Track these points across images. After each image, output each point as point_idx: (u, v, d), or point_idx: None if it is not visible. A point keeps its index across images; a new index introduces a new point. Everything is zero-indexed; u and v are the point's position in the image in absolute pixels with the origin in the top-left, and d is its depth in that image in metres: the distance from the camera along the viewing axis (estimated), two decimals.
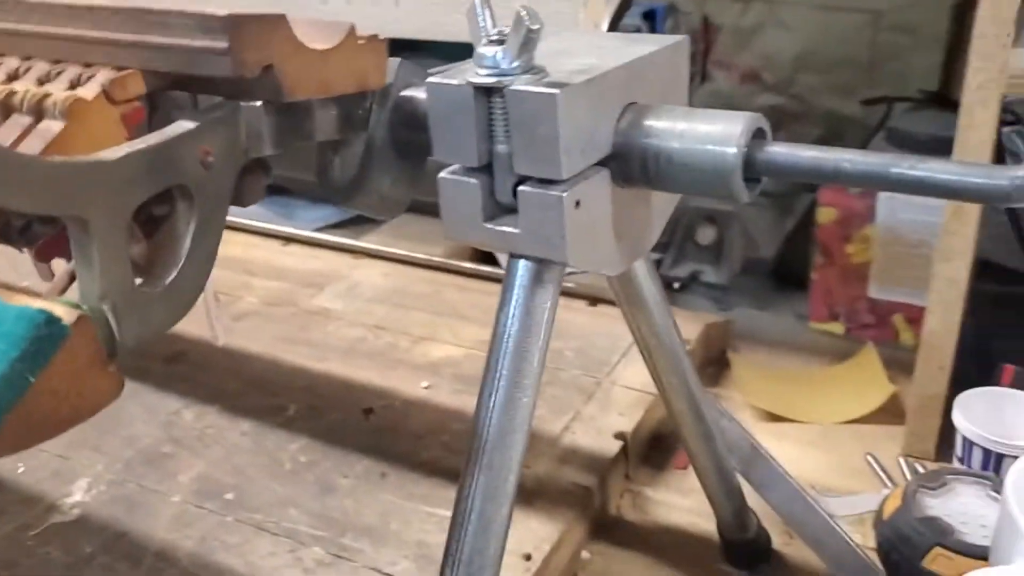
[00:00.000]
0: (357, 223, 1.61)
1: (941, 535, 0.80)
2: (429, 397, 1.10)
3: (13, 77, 0.58)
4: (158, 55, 0.54)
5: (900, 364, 1.15)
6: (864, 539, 0.91)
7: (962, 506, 0.85)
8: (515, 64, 0.53)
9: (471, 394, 0.59)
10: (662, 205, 0.65)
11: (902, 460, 1.04)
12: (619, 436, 1.01)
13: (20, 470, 0.98)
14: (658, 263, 1.45)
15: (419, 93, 0.63)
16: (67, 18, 0.57)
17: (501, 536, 0.58)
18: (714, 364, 1.26)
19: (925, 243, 1.17)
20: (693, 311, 1.32)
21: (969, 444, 0.95)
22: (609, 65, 0.56)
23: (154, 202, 0.53)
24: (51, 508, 0.93)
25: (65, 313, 0.45)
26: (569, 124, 0.52)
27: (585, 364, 1.15)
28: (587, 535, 0.94)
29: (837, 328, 1.32)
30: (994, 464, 0.93)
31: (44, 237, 0.60)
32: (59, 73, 0.56)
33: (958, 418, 0.96)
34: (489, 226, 0.56)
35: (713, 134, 0.54)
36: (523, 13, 0.51)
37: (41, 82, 0.57)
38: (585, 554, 0.93)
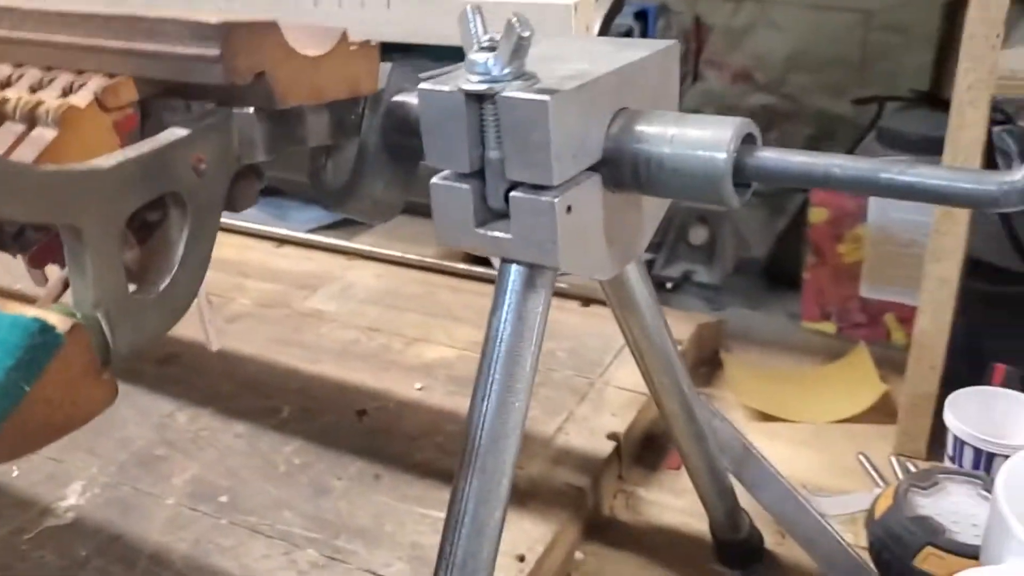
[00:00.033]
0: (350, 224, 1.61)
1: (932, 534, 0.80)
2: (423, 398, 1.11)
3: (6, 84, 0.58)
4: (150, 62, 0.55)
5: (892, 363, 1.16)
6: (856, 538, 0.91)
7: (953, 505, 0.85)
8: (506, 71, 0.53)
9: (465, 395, 0.59)
10: (653, 209, 0.65)
11: (894, 459, 1.05)
12: (612, 437, 1.02)
13: (14, 473, 0.98)
14: (650, 263, 1.45)
15: (411, 98, 0.63)
16: (60, 25, 0.57)
17: (494, 539, 0.58)
18: (707, 364, 1.26)
19: (916, 243, 1.18)
20: (686, 311, 1.32)
21: (960, 443, 0.95)
22: (600, 71, 0.56)
23: (147, 208, 0.53)
24: (45, 511, 0.93)
25: (59, 321, 0.45)
26: (560, 130, 0.52)
27: (578, 365, 1.15)
28: (580, 536, 0.94)
29: (829, 327, 1.33)
30: (985, 463, 0.93)
31: (37, 243, 0.60)
32: (51, 80, 0.56)
33: (949, 417, 0.96)
34: (481, 231, 0.57)
35: (703, 139, 0.54)
36: (514, 20, 0.51)
37: (34, 89, 0.57)
38: (579, 555, 0.93)
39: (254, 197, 0.62)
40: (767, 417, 1.14)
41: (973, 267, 1.06)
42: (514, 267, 0.58)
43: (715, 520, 0.90)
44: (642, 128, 0.57)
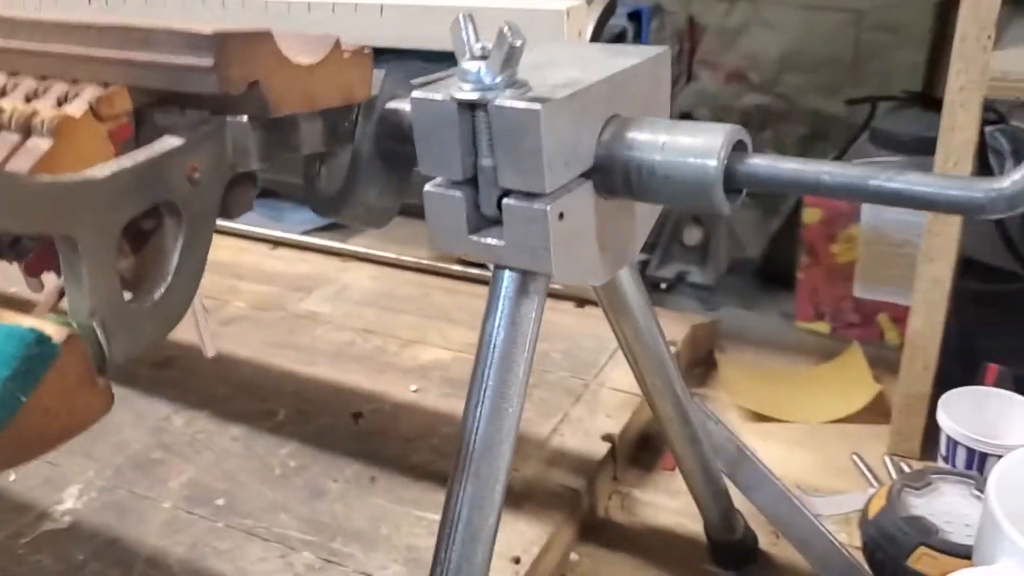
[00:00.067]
0: (345, 226, 1.61)
1: (925, 534, 0.81)
2: (418, 400, 1.11)
3: (1, 94, 0.59)
4: (144, 72, 0.55)
5: (885, 363, 1.17)
6: (850, 538, 0.92)
7: (946, 505, 0.86)
8: (498, 79, 0.53)
9: (460, 397, 0.59)
10: (646, 215, 0.66)
11: (887, 459, 1.05)
12: (607, 438, 1.02)
13: (11, 478, 0.98)
14: (644, 264, 1.46)
15: (405, 105, 0.63)
16: (54, 35, 0.57)
17: (489, 544, 0.58)
18: (701, 364, 1.27)
19: (909, 243, 1.18)
20: (680, 312, 1.33)
21: (953, 443, 0.96)
22: (592, 78, 0.56)
23: (142, 217, 0.53)
24: (42, 516, 0.93)
25: (55, 331, 0.45)
26: (552, 138, 0.53)
27: (573, 366, 1.16)
28: (576, 537, 0.95)
29: (823, 327, 1.33)
30: (978, 463, 0.94)
31: (33, 251, 0.61)
32: (46, 90, 0.57)
33: (942, 417, 0.97)
34: (474, 238, 0.57)
35: (694, 146, 0.55)
36: (506, 29, 0.52)
37: (28, 99, 0.57)
38: (574, 556, 0.93)
39: (249, 204, 0.62)
40: (761, 417, 1.14)
41: (966, 266, 1.06)
42: (507, 273, 0.58)
43: (710, 521, 0.90)
44: (633, 135, 0.57)
